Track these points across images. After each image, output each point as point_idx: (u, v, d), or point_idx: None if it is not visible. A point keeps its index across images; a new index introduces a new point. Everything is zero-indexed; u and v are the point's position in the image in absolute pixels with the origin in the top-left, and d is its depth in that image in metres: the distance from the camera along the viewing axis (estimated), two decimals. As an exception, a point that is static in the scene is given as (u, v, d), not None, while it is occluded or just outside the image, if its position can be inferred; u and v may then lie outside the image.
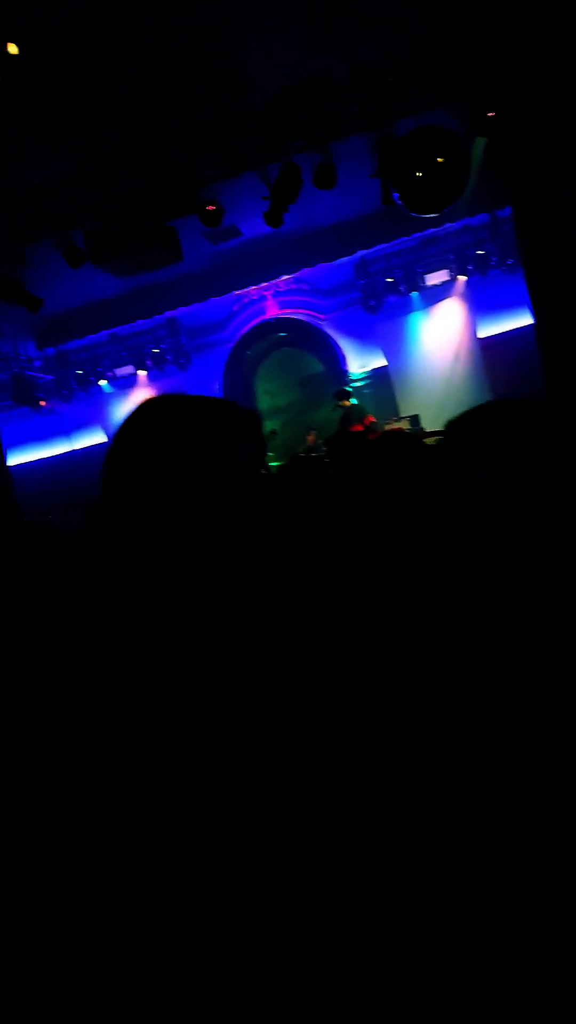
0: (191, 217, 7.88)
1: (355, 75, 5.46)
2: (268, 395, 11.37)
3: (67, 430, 11.43)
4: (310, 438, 9.75)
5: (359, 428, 8.84)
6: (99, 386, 11.03)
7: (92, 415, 11.26)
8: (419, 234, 9.54)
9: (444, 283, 9.98)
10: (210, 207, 6.05)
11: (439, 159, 5.12)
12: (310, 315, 10.94)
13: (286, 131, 5.80)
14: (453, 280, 9.93)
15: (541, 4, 4.54)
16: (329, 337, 10.91)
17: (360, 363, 10.96)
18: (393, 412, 10.32)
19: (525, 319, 9.19)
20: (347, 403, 9.02)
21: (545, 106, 5.17)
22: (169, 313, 10.41)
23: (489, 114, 5.13)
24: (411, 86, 5.24)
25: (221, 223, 6.23)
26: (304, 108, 5.61)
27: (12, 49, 4.08)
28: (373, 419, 9.14)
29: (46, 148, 5.42)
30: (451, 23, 4.47)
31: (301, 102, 5.62)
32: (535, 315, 6.76)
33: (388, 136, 5.73)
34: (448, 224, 9.36)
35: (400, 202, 5.41)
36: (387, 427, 9.78)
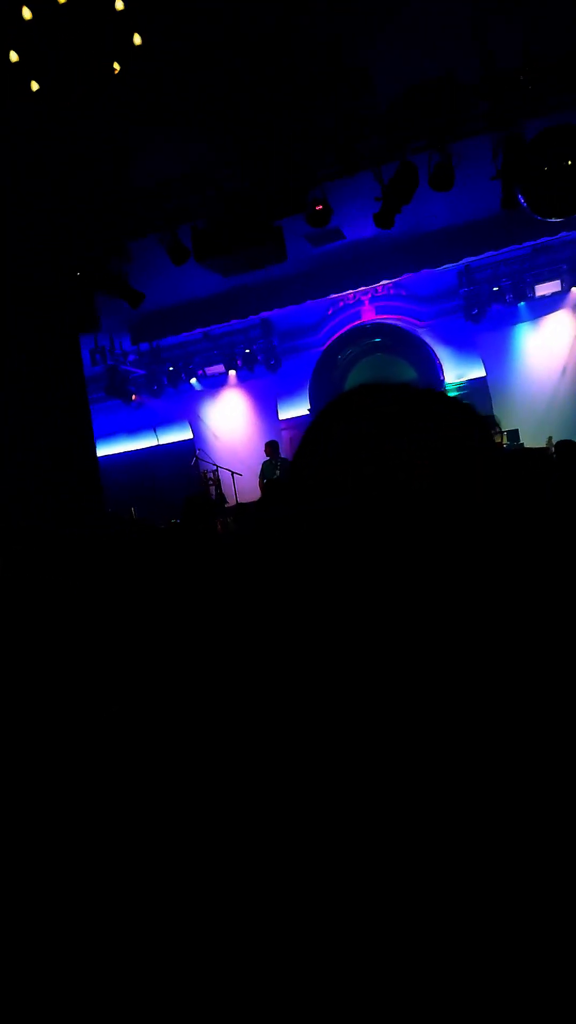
0: (296, 217, 7.73)
1: (486, 74, 5.13)
2: (357, 401, 11.08)
3: (154, 425, 11.52)
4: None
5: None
6: (189, 383, 11.05)
7: (180, 411, 11.30)
8: (532, 242, 9.02)
9: (555, 294, 9.43)
10: (318, 207, 5.82)
11: (570, 161, 4.72)
12: (407, 321, 10.59)
13: (407, 131, 5.51)
14: (566, 291, 9.36)
15: None
16: (426, 344, 10.52)
17: (458, 373, 10.53)
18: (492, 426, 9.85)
19: None
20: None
21: None
22: (264, 314, 10.29)
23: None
24: (544, 86, 4.86)
25: (328, 224, 5.99)
26: (429, 108, 5.31)
27: (136, 40, 3.98)
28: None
29: (161, 142, 5.34)
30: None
31: (426, 102, 5.32)
32: None
33: (515, 136, 5.36)
34: (564, 232, 8.80)
35: (525, 205, 5.03)
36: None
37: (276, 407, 10.98)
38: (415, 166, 5.67)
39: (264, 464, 9.19)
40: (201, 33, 4.18)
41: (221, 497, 8.70)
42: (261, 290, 9.75)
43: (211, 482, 8.77)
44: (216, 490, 8.65)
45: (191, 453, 10.57)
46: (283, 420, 11.00)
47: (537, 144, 5.05)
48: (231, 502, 9.30)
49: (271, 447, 9.15)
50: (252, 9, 4.19)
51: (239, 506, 7.93)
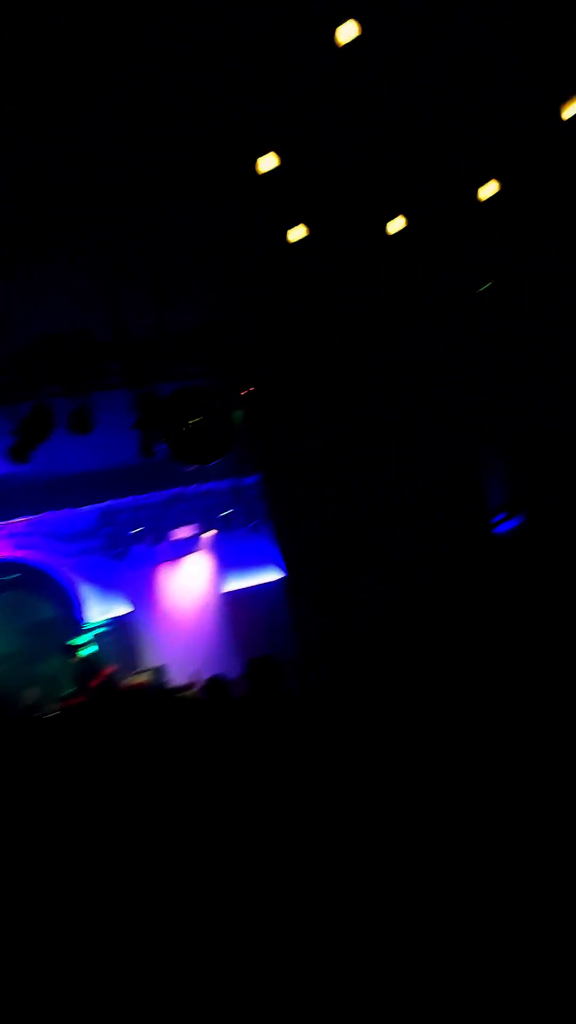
0: None
1: (119, 338, 5.66)
2: (-13, 643, 9.83)
3: None
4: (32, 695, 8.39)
5: (95, 683, 7.86)
6: None
7: None
8: (171, 490, 9.78)
9: (192, 537, 10.14)
10: None
11: (200, 418, 5.31)
12: (47, 558, 10.17)
13: (41, 375, 5.65)
14: (199, 535, 10.15)
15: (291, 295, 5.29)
16: (66, 583, 10.12)
17: (103, 609, 10.23)
18: (133, 665, 9.53)
19: (270, 575, 9.54)
20: (75, 657, 8.12)
21: (294, 390, 5.80)
22: None
23: (243, 392, 5.60)
24: (173, 354, 5.55)
25: None
26: (64, 357, 5.58)
27: None
28: (113, 669, 8.26)
29: None
30: (214, 304, 4.93)
31: (62, 351, 5.59)
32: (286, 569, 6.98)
33: (149, 394, 5.89)
34: (197, 484, 9.79)
35: (168, 454, 5.43)
36: (130, 680, 8.90)
37: None
38: (50, 409, 5.73)
39: None
40: None
41: None
42: None
43: None
44: None
45: None
46: None
47: (170, 402, 5.62)
48: None
49: None
50: None
51: None
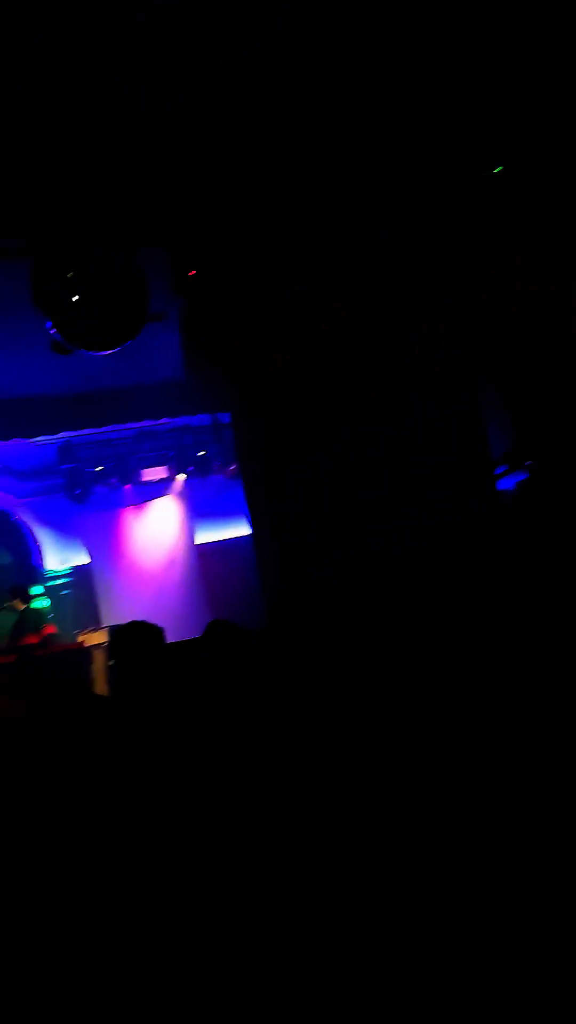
0: None
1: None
2: None
3: None
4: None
5: (34, 639, 6.79)
6: None
7: None
8: (135, 424, 8.53)
9: (162, 480, 8.94)
10: None
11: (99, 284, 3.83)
12: (2, 497, 9.04)
13: None
14: (172, 478, 8.94)
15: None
16: (22, 524, 9.01)
17: (62, 558, 9.14)
18: (93, 619, 8.47)
19: (246, 527, 8.37)
20: (21, 605, 6.99)
21: (268, 289, 4.47)
22: None
23: (191, 273, 4.27)
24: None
25: None
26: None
27: None
28: (53, 629, 7.19)
29: None
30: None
31: None
32: (251, 523, 5.79)
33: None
34: (167, 419, 8.53)
35: (56, 335, 4.11)
36: (82, 637, 7.87)
37: None
38: None
39: None
40: None
41: None
42: None
43: None
44: None
45: None
46: None
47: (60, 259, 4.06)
48: None
49: None
50: None
51: None
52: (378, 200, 4.60)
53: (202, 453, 8.80)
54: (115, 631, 2.65)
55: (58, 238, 3.67)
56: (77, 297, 3.70)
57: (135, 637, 2.70)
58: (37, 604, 7.91)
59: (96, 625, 8.20)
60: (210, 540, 8.90)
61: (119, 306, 3.84)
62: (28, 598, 7.29)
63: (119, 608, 8.53)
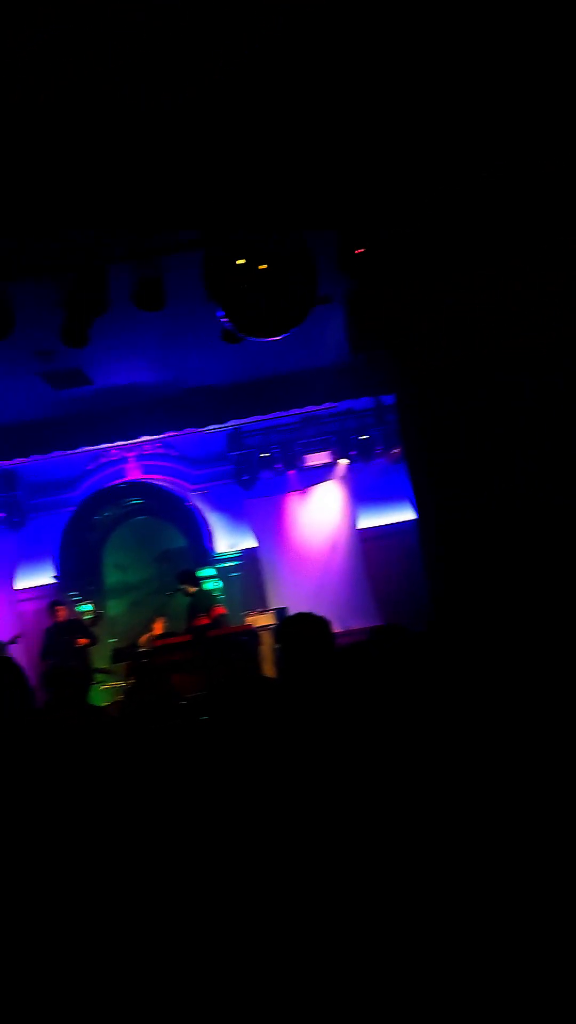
0: (23, 351, 6.58)
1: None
2: (118, 569, 9.59)
3: None
4: (157, 626, 7.89)
5: (205, 620, 7.14)
6: None
7: None
8: (299, 411, 8.65)
9: (325, 465, 8.99)
10: None
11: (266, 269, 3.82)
12: (176, 484, 9.60)
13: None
14: (334, 463, 8.96)
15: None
16: (195, 510, 9.51)
17: (231, 542, 9.54)
18: (261, 601, 8.75)
19: (411, 513, 8.18)
20: (192, 589, 7.36)
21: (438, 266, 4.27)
22: (5, 464, 8.76)
23: (357, 251, 4.17)
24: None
25: (7, 335, 4.74)
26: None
27: None
28: (223, 611, 7.49)
29: None
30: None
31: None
32: (417, 510, 5.60)
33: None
34: (328, 404, 8.55)
35: (228, 323, 4.20)
36: (250, 618, 8.17)
37: (13, 573, 9.11)
38: (104, 273, 4.50)
39: None
40: None
41: None
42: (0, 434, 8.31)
43: None
44: None
45: None
46: (21, 590, 9.11)
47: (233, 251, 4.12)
48: None
49: None
50: None
51: None
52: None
53: (364, 437, 8.73)
54: (283, 621, 2.66)
55: (228, 227, 3.76)
56: (247, 285, 3.77)
57: (301, 628, 2.69)
58: (208, 585, 8.30)
59: (264, 607, 8.47)
60: (373, 525, 8.82)
61: (287, 292, 3.86)
62: (197, 582, 7.66)
63: (284, 591, 8.74)
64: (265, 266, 3.69)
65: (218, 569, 9.33)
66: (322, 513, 8.82)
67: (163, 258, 4.38)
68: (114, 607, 9.29)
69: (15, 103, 3.28)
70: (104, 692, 7.56)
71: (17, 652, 7.27)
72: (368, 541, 8.69)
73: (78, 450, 8.69)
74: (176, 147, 3.72)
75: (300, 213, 3.83)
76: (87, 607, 8.51)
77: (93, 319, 4.54)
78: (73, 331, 4.59)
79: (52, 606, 7.63)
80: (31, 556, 9.17)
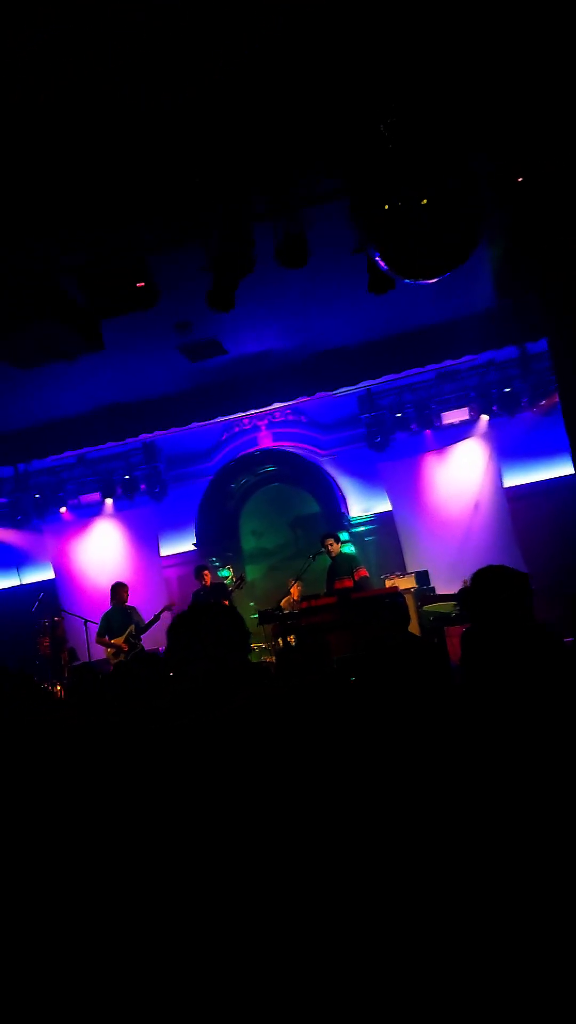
0: (162, 328, 6.70)
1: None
2: (254, 535, 9.74)
3: (16, 562, 9.80)
4: (294, 591, 7.92)
5: (348, 583, 7.05)
6: (59, 513, 9.52)
7: (45, 546, 9.66)
8: (435, 366, 8.25)
9: (463, 422, 8.55)
10: (139, 283, 4.61)
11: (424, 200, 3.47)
12: (308, 450, 9.54)
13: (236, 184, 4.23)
14: (474, 420, 8.51)
15: None
16: (327, 475, 9.42)
17: (364, 506, 9.39)
18: (398, 566, 8.56)
19: (564, 468, 7.61)
20: (334, 546, 7.28)
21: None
22: (146, 437, 9.06)
23: (519, 179, 3.77)
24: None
25: (153, 305, 4.76)
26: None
27: None
28: (365, 572, 7.36)
29: None
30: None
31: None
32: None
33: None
34: (468, 356, 8.08)
35: (386, 269, 3.92)
36: (390, 582, 8.02)
37: (158, 541, 9.49)
38: (250, 229, 4.36)
39: (107, 614, 7.33)
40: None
41: (57, 653, 6.89)
42: (140, 409, 8.58)
43: (47, 632, 6.97)
44: (53, 643, 6.85)
45: (50, 596, 8.85)
46: (166, 556, 9.48)
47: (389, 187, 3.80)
48: (82, 658, 7.49)
49: (118, 591, 7.37)
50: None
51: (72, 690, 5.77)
52: None
53: (508, 390, 8.19)
54: (477, 574, 2.46)
55: (383, 165, 3.50)
56: (407, 223, 3.50)
57: (496, 583, 2.48)
58: (346, 550, 8.21)
59: (402, 571, 8.28)
60: (520, 483, 8.32)
61: (452, 227, 3.56)
62: (340, 542, 7.57)
63: (422, 554, 8.49)
64: (427, 201, 3.40)
65: (352, 534, 9.23)
66: (462, 472, 8.42)
67: (306, 210, 4.21)
68: (251, 572, 9.46)
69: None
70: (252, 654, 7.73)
71: (167, 617, 7.58)
72: (515, 500, 8.22)
73: (213, 420, 8.83)
74: (316, 88, 3.50)
75: (460, 136, 3.48)
76: (226, 572, 8.70)
77: (239, 280, 4.46)
78: (220, 294, 4.55)
79: (199, 570, 7.86)
80: (173, 525, 9.51)
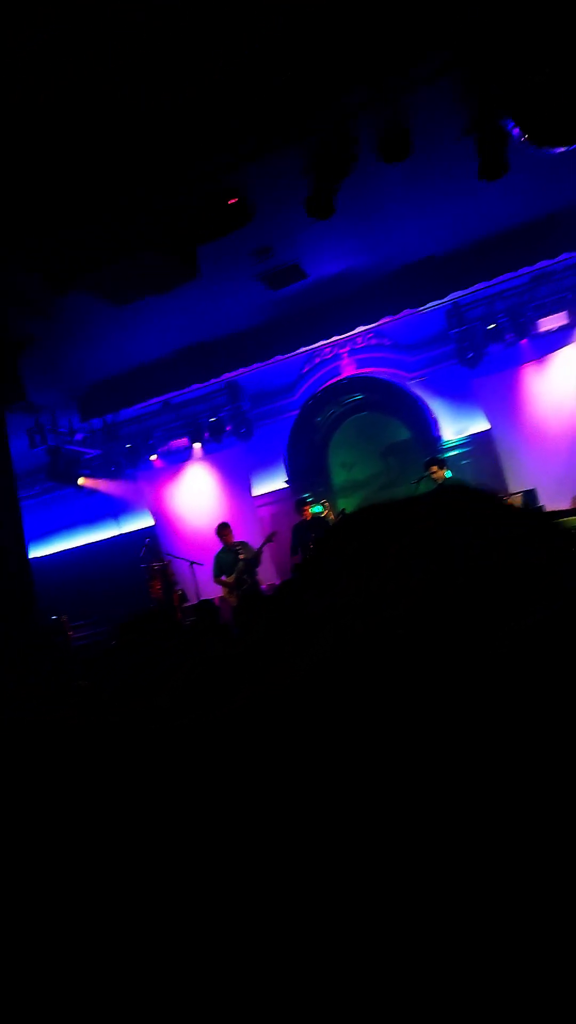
0: (241, 255, 6.46)
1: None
2: (344, 468, 9.57)
3: (115, 511, 10.04)
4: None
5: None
6: (150, 461, 9.62)
7: (141, 494, 9.82)
8: (529, 268, 7.67)
9: (562, 328, 7.98)
10: (232, 199, 4.39)
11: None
12: (394, 373, 9.19)
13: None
14: (574, 324, 7.92)
15: None
16: (417, 398, 9.06)
17: (458, 428, 9.02)
18: (501, 487, 8.24)
19: None
20: (438, 472, 7.04)
21: None
22: (229, 375, 8.93)
23: None
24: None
25: (250, 220, 4.54)
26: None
27: None
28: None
29: None
30: None
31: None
32: None
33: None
34: (566, 254, 7.45)
35: (521, 137, 3.54)
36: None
37: (249, 481, 9.47)
38: (349, 128, 4.05)
39: (218, 555, 7.46)
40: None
41: (169, 596, 7.04)
42: (221, 347, 8.44)
43: (156, 576, 7.12)
44: (164, 587, 7.00)
45: (153, 542, 9.04)
46: (258, 496, 9.47)
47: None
48: (190, 599, 7.65)
49: (223, 531, 7.45)
50: None
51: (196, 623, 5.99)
52: None
53: (612, 287, 7.55)
54: None
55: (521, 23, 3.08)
56: (544, 86, 3.12)
57: None
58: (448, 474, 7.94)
59: (505, 492, 7.96)
60: (630, 387, 7.76)
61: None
62: (445, 466, 7.30)
63: (526, 473, 8.12)
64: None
65: (447, 458, 8.91)
66: (566, 382, 7.91)
67: (408, 98, 3.83)
68: (344, 505, 9.34)
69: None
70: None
71: (268, 550, 7.61)
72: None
73: (296, 352, 8.58)
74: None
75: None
76: (319, 508, 8.62)
77: (340, 181, 4.17)
78: (319, 200, 4.28)
79: (299, 505, 7.81)
80: (263, 464, 9.45)
